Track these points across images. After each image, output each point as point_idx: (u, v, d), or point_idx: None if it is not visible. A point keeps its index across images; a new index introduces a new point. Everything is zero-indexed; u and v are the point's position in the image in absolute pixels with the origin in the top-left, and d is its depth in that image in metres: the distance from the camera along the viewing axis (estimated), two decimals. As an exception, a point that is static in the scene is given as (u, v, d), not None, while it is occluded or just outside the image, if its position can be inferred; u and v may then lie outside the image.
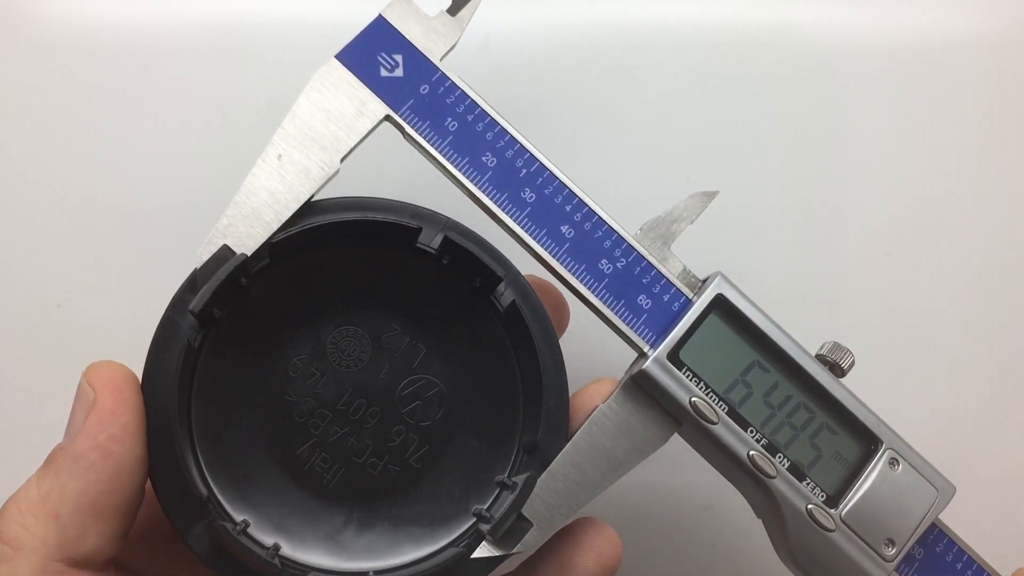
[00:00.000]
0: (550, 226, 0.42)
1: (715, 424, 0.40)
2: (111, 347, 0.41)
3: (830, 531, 0.40)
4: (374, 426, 0.42)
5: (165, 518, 0.39)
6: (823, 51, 0.59)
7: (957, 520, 0.43)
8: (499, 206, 0.41)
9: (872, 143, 0.59)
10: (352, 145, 0.41)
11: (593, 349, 0.46)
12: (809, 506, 0.40)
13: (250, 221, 0.40)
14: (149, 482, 0.38)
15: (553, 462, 0.41)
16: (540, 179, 0.42)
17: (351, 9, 0.46)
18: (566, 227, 0.42)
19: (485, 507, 0.41)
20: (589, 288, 0.41)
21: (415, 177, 0.45)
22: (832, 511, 0.41)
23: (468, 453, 0.42)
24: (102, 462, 0.36)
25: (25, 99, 0.57)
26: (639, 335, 0.41)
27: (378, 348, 0.42)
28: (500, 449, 0.42)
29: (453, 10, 0.43)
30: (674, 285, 0.42)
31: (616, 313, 0.41)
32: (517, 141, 0.42)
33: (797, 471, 0.41)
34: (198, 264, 0.40)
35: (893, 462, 0.41)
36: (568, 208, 0.42)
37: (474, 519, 0.41)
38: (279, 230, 0.40)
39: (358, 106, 0.42)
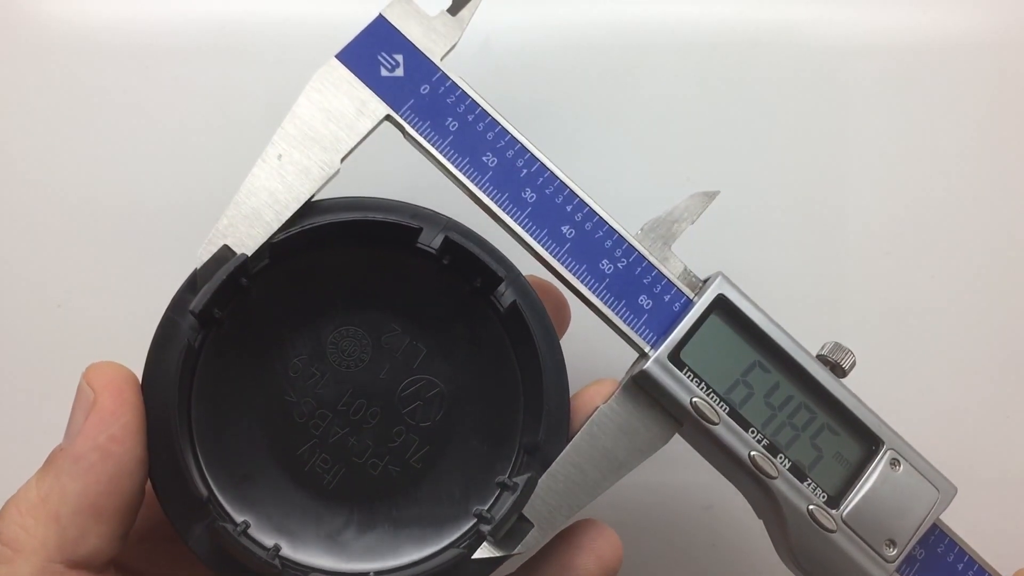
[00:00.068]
0: (551, 226, 0.42)
1: (716, 425, 0.40)
2: (111, 347, 0.41)
3: (831, 532, 0.40)
4: (374, 427, 0.42)
5: (165, 519, 0.39)
6: (823, 51, 0.59)
7: (957, 520, 0.43)
8: (500, 206, 0.41)
9: (872, 143, 0.59)
10: (352, 145, 0.41)
11: (594, 349, 0.46)
12: (810, 507, 0.40)
13: (250, 221, 0.40)
14: (149, 483, 0.38)
15: (554, 463, 0.41)
16: (541, 179, 0.42)
17: (351, 9, 0.46)
18: (567, 227, 0.42)
19: (486, 508, 0.41)
20: (590, 288, 0.41)
21: (415, 177, 0.45)
22: (833, 512, 0.41)
23: (469, 454, 0.42)
24: (102, 463, 0.36)
25: (25, 99, 0.57)
26: (640, 335, 0.41)
27: (378, 348, 0.42)
28: (501, 450, 0.42)
29: (453, 10, 0.43)
30: (675, 285, 0.42)
31: (617, 313, 0.41)
32: (518, 141, 0.42)
33: (798, 472, 0.41)
34: (198, 264, 0.39)
35: (894, 463, 0.41)
36: (569, 208, 0.42)
37: (475, 520, 0.41)
38: (279, 230, 0.40)
39: (358, 106, 0.42)
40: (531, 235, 0.41)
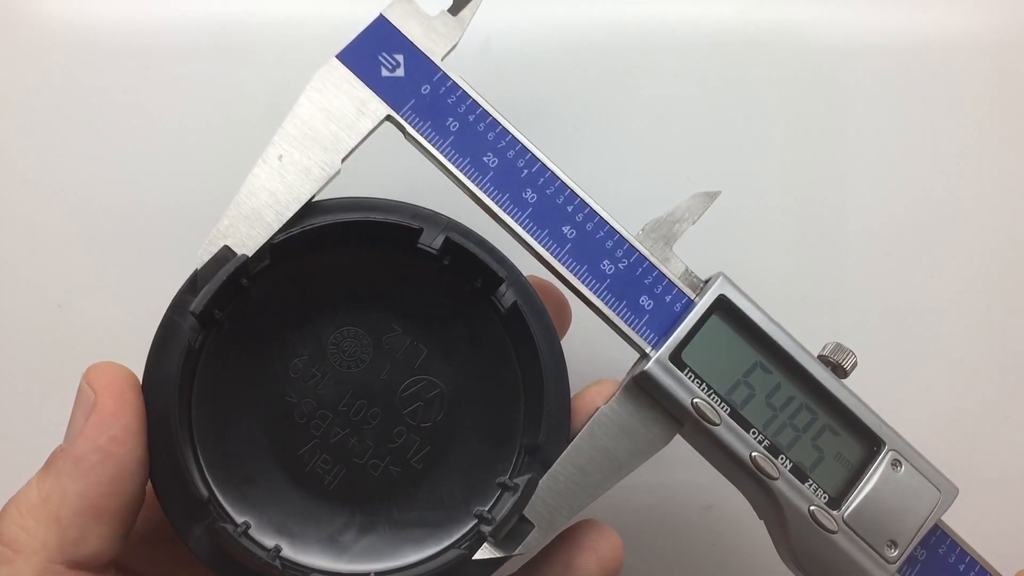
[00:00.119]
0: (552, 226, 0.42)
1: (717, 425, 0.40)
2: (111, 348, 0.41)
3: (832, 533, 0.40)
4: (375, 427, 0.42)
5: (166, 520, 0.39)
6: (823, 51, 0.59)
7: (957, 520, 0.43)
8: (500, 206, 0.41)
9: (872, 143, 0.59)
10: (353, 145, 0.41)
11: (594, 350, 0.46)
12: (811, 507, 0.40)
13: (251, 222, 0.40)
14: (150, 484, 0.38)
15: (554, 463, 0.41)
16: (542, 179, 0.42)
17: (351, 9, 0.46)
18: (568, 227, 0.42)
19: (486, 508, 0.41)
20: (591, 289, 0.41)
21: (416, 178, 0.45)
22: (834, 512, 0.41)
23: (469, 454, 0.42)
24: (103, 464, 0.36)
25: (25, 99, 0.56)
26: (641, 336, 0.41)
27: (379, 349, 0.42)
28: (501, 450, 0.42)
29: (454, 10, 0.43)
30: (676, 286, 0.42)
31: (618, 314, 0.41)
32: (519, 141, 0.42)
33: (799, 472, 0.41)
34: (199, 265, 0.39)
35: (896, 463, 0.41)
36: (570, 208, 0.42)
37: (475, 520, 0.41)
38: (280, 231, 0.40)
39: (359, 106, 0.42)
40: (532, 235, 0.41)
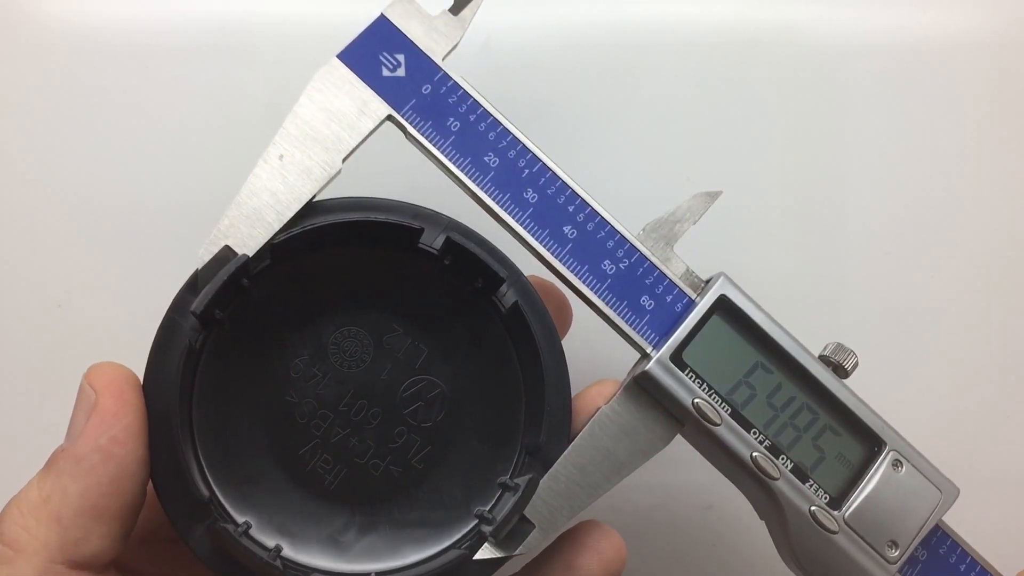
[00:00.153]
0: (552, 226, 0.42)
1: (718, 425, 0.40)
2: (111, 348, 0.41)
3: (833, 533, 0.40)
4: (376, 427, 0.42)
5: (167, 520, 0.39)
6: (823, 51, 0.59)
7: (958, 520, 0.43)
8: (501, 206, 0.41)
9: (872, 143, 0.59)
10: (354, 145, 0.41)
11: (595, 350, 0.46)
12: (812, 508, 0.40)
13: (252, 222, 0.40)
14: (151, 484, 0.38)
15: (555, 463, 0.41)
16: (543, 179, 0.42)
17: (352, 9, 0.46)
18: (568, 227, 0.42)
19: (487, 508, 0.41)
20: (592, 289, 0.41)
21: (417, 177, 0.45)
22: (835, 513, 0.41)
23: (470, 454, 0.42)
24: (103, 464, 0.36)
25: (25, 99, 0.56)
26: (642, 336, 0.41)
27: (380, 349, 0.42)
28: (502, 450, 0.42)
29: (455, 10, 0.43)
30: (677, 286, 0.42)
31: (619, 314, 0.41)
32: (519, 141, 0.42)
33: (800, 473, 0.41)
34: (199, 265, 0.39)
35: (897, 464, 0.41)
36: (571, 208, 0.42)
37: (476, 521, 0.41)
38: (281, 231, 0.40)
39: (360, 106, 0.42)
40: (533, 235, 0.41)
